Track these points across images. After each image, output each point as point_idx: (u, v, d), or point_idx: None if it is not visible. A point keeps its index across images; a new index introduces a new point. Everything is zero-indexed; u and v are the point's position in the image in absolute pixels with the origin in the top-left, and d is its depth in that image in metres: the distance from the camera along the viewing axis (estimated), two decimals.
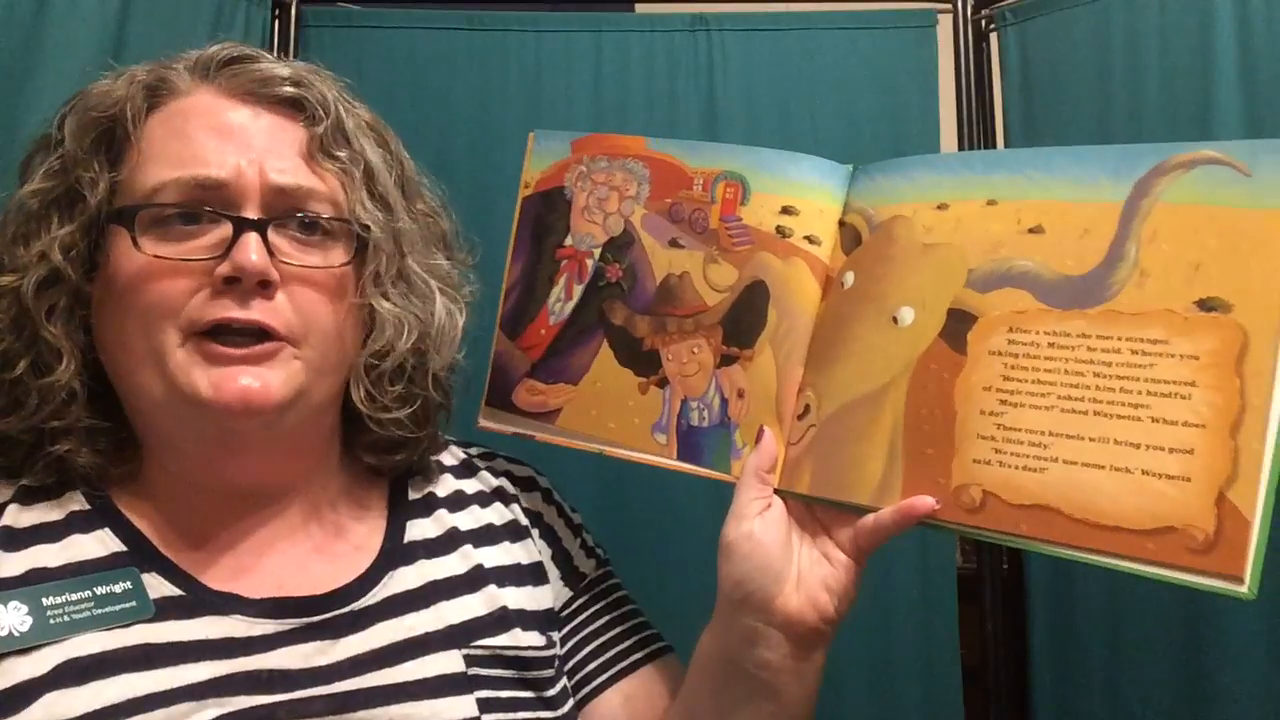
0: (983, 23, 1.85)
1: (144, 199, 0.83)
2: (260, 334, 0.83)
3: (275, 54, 0.93)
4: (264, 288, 0.82)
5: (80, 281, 0.84)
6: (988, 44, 1.87)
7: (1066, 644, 1.75)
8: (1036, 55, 1.80)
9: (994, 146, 1.85)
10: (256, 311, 0.82)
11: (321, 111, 0.89)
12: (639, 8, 2.17)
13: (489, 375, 1.06)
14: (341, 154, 0.89)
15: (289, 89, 0.89)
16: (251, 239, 0.82)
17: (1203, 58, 1.62)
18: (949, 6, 1.86)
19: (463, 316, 0.97)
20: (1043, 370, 0.78)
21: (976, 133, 1.84)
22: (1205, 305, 0.73)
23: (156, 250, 0.82)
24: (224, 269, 0.81)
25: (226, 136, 0.85)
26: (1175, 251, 0.75)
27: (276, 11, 1.78)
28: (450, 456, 1.04)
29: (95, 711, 0.76)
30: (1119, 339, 0.75)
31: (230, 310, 0.81)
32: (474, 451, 1.07)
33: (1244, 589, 0.68)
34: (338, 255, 0.88)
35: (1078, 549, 0.75)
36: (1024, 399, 0.78)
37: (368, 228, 0.88)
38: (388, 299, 0.90)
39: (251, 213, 0.83)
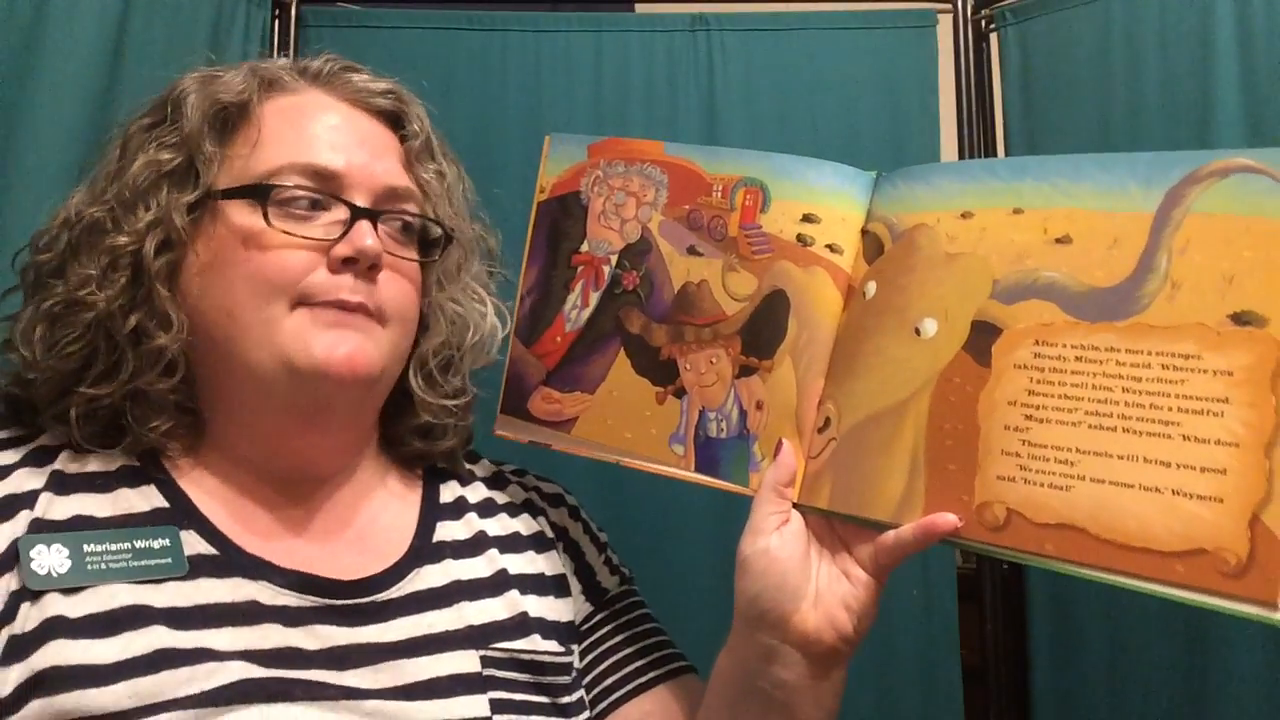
0: (983, 23, 1.85)
1: (262, 179, 0.89)
2: (357, 311, 0.89)
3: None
4: (371, 271, 0.89)
5: (186, 250, 0.89)
6: (988, 44, 1.87)
7: (1066, 644, 1.75)
8: (1036, 55, 1.80)
9: (994, 146, 1.85)
10: (363, 294, 0.88)
11: (416, 126, 0.98)
12: (639, 8, 2.16)
13: (504, 383, 1.05)
14: (430, 166, 0.98)
15: (389, 101, 0.97)
16: (367, 225, 0.89)
17: (1203, 58, 1.62)
18: (949, 6, 1.86)
19: (510, 323, 1.05)
20: (1070, 385, 0.76)
21: (976, 133, 1.84)
22: (1239, 319, 0.71)
23: (284, 227, 0.87)
24: (344, 249, 0.88)
25: (339, 132, 0.93)
26: (1208, 263, 0.72)
27: (276, 11, 1.78)
28: (482, 469, 1.08)
29: (125, 661, 0.78)
30: (1149, 353, 0.73)
31: (344, 290, 0.88)
32: (507, 468, 1.10)
33: (1278, 615, 0.67)
34: (421, 252, 0.96)
35: (1104, 570, 0.73)
36: (1050, 414, 0.77)
37: (454, 231, 0.98)
38: (454, 300, 1.00)
39: (363, 203, 0.90)
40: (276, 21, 1.77)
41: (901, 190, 0.89)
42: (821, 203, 0.92)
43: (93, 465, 0.88)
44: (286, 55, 0.96)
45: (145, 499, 0.87)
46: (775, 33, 1.85)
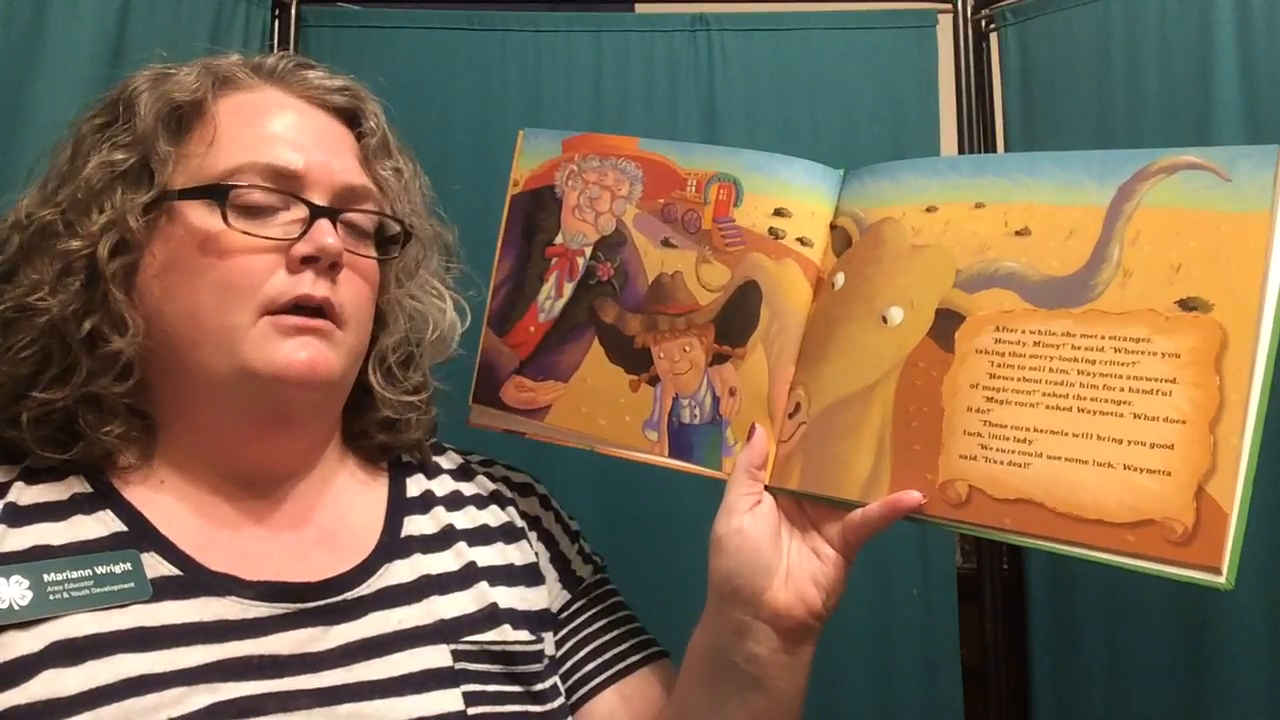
0: (983, 23, 1.86)
1: (220, 180, 0.88)
2: (318, 314, 0.88)
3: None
4: (332, 270, 0.89)
5: (142, 252, 0.88)
6: (988, 44, 1.87)
7: (1066, 644, 1.75)
8: (1036, 55, 1.81)
9: (994, 147, 1.85)
10: (325, 290, 0.88)
11: (373, 123, 0.97)
12: (639, 8, 2.18)
13: (476, 372, 1.07)
14: (387, 163, 0.98)
15: (344, 98, 0.97)
16: (327, 224, 0.88)
17: (1203, 58, 1.62)
18: (949, 6, 1.86)
19: (467, 319, 1.05)
20: (1028, 368, 0.80)
21: (976, 133, 1.84)
22: (1186, 305, 0.74)
23: (243, 227, 0.86)
24: (304, 248, 0.87)
25: (296, 130, 0.92)
26: (1157, 253, 0.76)
27: (276, 11, 1.79)
28: (448, 460, 1.07)
29: (89, 691, 0.77)
30: (1102, 337, 0.77)
31: (306, 287, 0.87)
32: (473, 458, 1.09)
33: (1222, 580, 0.70)
34: (379, 250, 0.96)
35: (1060, 542, 0.76)
36: (1010, 396, 0.80)
37: (412, 228, 0.97)
38: (413, 297, 1.00)
39: (322, 202, 0.90)
40: (276, 21, 1.79)
41: (868, 186, 0.93)
42: (793, 198, 0.94)
43: (45, 495, 0.86)
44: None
45: (102, 524, 0.86)
46: (775, 33, 1.86)
